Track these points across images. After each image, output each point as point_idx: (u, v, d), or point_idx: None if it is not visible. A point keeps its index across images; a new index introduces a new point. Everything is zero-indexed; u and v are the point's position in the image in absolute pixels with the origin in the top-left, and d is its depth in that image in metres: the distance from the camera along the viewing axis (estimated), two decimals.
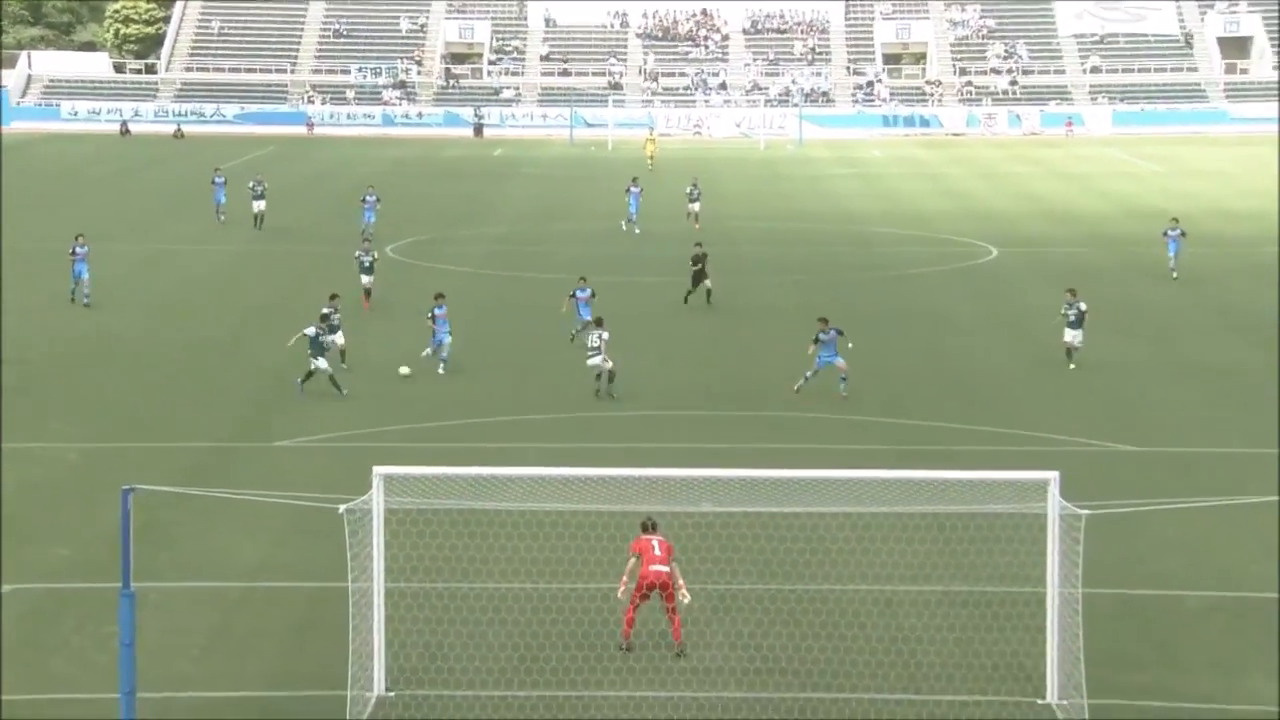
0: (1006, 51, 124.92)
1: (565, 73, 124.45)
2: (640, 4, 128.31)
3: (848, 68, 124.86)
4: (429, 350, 38.12)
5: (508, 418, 34.42)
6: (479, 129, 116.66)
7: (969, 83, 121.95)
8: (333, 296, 38.78)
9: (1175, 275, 51.66)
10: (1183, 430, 33.85)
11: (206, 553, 25.53)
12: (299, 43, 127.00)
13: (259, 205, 63.92)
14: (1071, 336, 38.65)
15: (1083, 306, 38.60)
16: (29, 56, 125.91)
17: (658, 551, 21.15)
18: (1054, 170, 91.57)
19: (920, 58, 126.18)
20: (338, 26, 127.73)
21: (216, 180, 66.75)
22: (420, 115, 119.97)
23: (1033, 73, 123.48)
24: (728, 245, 48.62)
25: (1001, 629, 21.87)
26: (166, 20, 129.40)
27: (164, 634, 21.95)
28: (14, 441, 31.89)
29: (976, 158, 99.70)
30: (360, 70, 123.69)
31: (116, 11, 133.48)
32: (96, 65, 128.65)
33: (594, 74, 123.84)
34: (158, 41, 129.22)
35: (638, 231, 62.91)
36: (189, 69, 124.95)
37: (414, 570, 22.65)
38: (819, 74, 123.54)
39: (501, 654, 21.34)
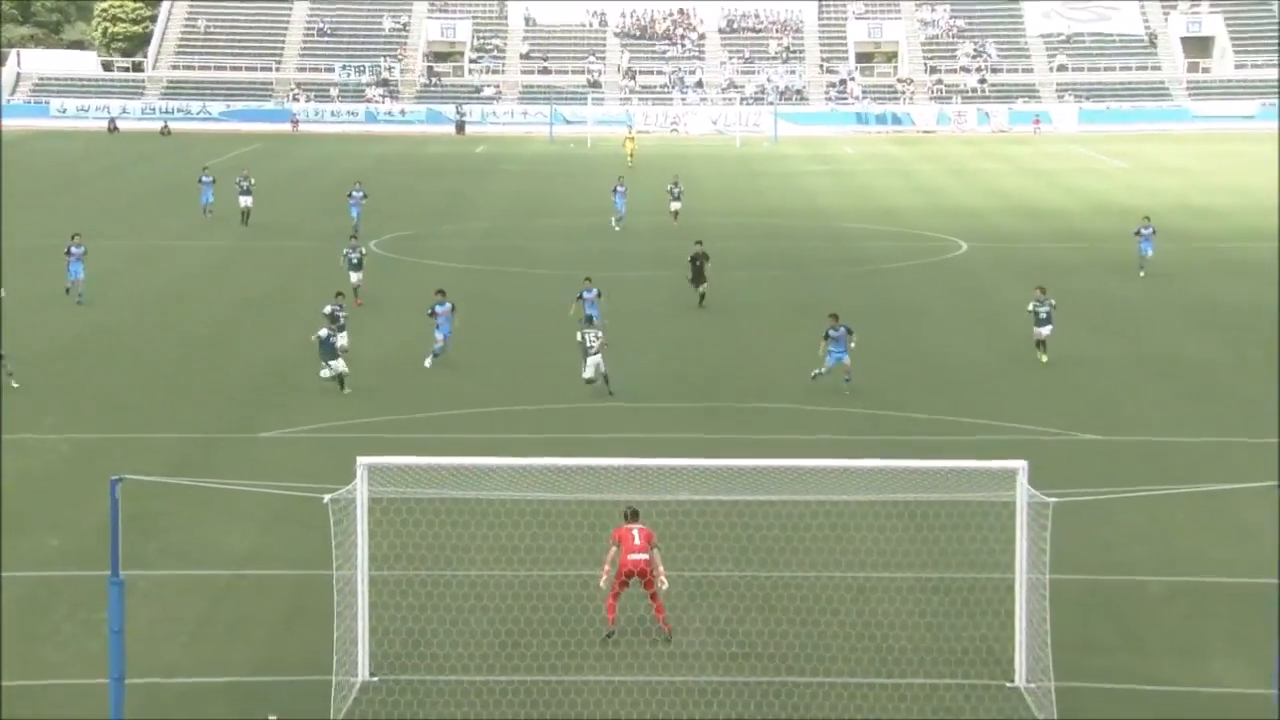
0: (976, 50, 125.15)
1: (545, 71, 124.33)
2: (618, 3, 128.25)
3: (821, 66, 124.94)
4: (438, 345, 37.72)
5: (492, 409, 34.41)
6: (460, 126, 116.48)
7: (939, 81, 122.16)
8: (338, 295, 38.54)
9: (1143, 274, 51.50)
10: (1148, 421, 33.97)
11: (194, 542, 25.49)
12: (284, 41, 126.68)
13: (245, 201, 63.70)
14: (1040, 332, 38.42)
15: (1052, 303, 38.49)
16: (18, 55, 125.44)
17: (637, 540, 21.17)
18: (1022, 167, 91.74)
19: (892, 56, 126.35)
20: (322, 25, 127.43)
21: (204, 180, 66.44)
22: (403, 112, 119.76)
23: (1001, 71, 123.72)
24: (705, 241, 48.73)
25: (971, 614, 21.94)
26: (153, 19, 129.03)
27: (153, 621, 21.93)
28: (8, 433, 31.80)
29: (947, 154, 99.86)
30: (344, 68, 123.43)
31: (104, 10, 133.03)
32: (85, 63, 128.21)
33: (573, 72, 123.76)
34: (145, 40, 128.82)
35: (619, 228, 62.88)
36: (176, 67, 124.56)
37: (397, 558, 22.64)
38: (793, 72, 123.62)
39: (483, 640, 21.34)
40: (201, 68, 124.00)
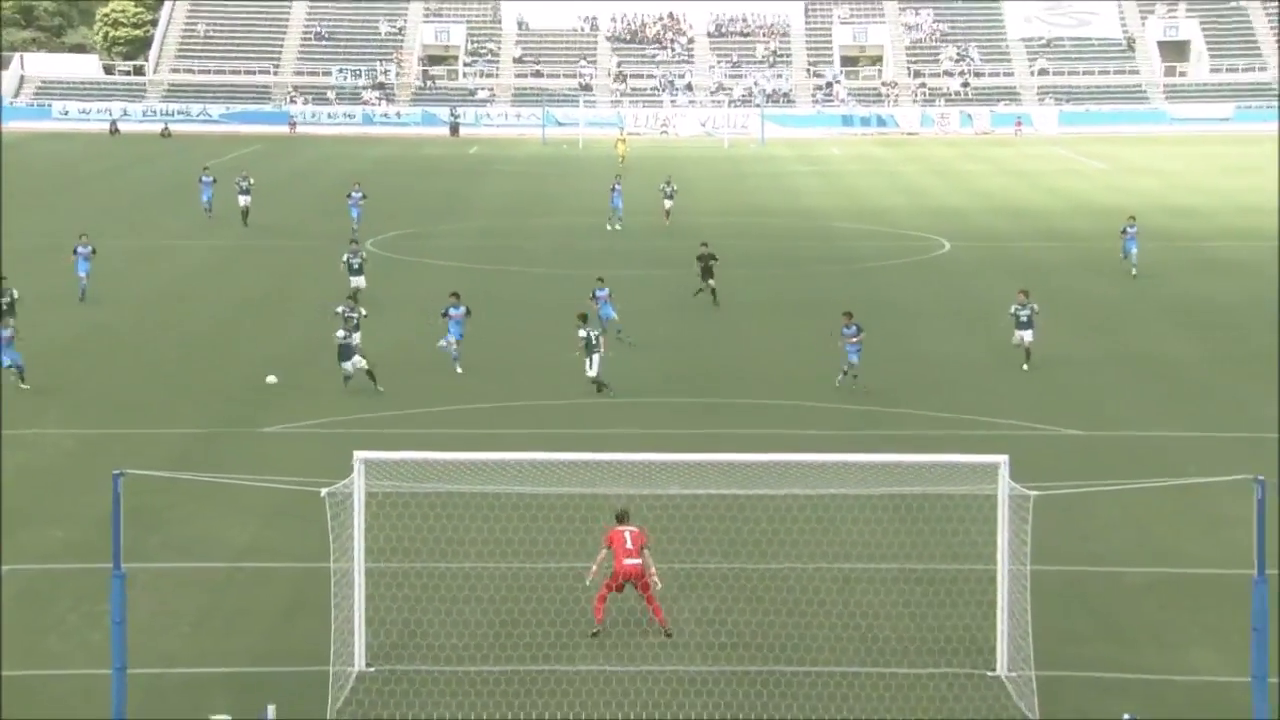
0: (959, 54, 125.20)
1: (538, 74, 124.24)
2: (609, 8, 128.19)
3: (808, 69, 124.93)
4: (445, 342, 37.14)
5: (488, 405, 34.40)
6: (455, 128, 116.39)
7: (923, 84, 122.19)
8: (350, 296, 38.35)
9: (1135, 274, 50.67)
10: (1127, 416, 34.01)
11: (195, 535, 25.48)
12: (282, 45, 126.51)
13: (245, 200, 63.57)
14: (1020, 337, 37.60)
15: (1034, 307, 37.72)
16: (21, 58, 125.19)
17: (630, 545, 21.08)
18: (1004, 168, 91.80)
19: (877, 60, 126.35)
20: (319, 29, 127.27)
21: (204, 180, 66.32)
22: (399, 115, 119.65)
23: (983, 75, 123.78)
24: (696, 239, 48.72)
25: (954, 604, 21.97)
26: (154, 23, 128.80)
27: (154, 613, 21.92)
28: (12, 429, 31.78)
29: (930, 155, 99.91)
30: (341, 71, 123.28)
31: (106, 15, 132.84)
32: (87, 67, 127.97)
33: (565, 75, 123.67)
34: (146, 44, 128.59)
35: (619, 227, 62.85)
36: (176, 70, 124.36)
37: (393, 551, 22.64)
38: (780, 75, 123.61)
39: (478, 630, 21.34)
40: (201, 71, 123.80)
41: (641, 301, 46.88)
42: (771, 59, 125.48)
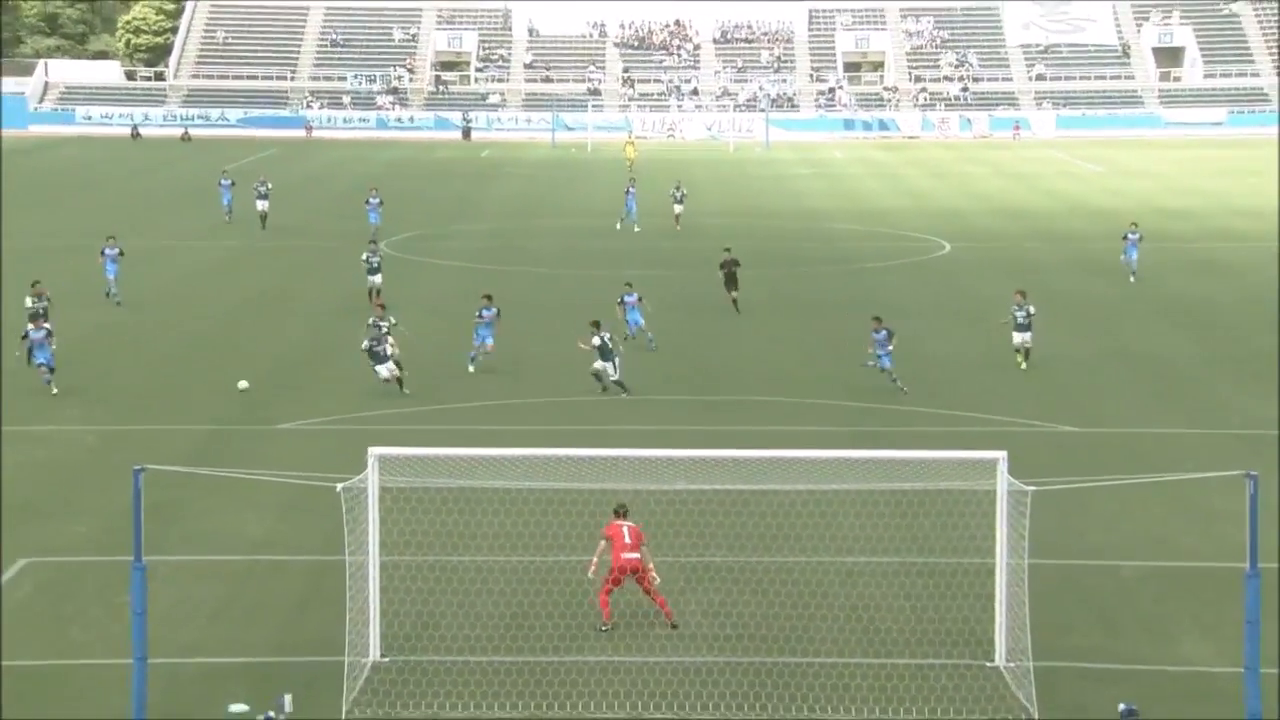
0: (958, 60, 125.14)
1: (547, 79, 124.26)
2: (618, 15, 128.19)
3: (811, 75, 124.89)
4: (477, 345, 36.70)
5: (500, 402, 34.39)
6: (467, 132, 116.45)
7: (924, 89, 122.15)
8: (381, 305, 37.47)
9: (1133, 279, 50.08)
10: (1122, 413, 33.97)
11: (213, 528, 25.49)
12: (298, 51, 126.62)
13: (263, 205, 63.54)
14: (1020, 339, 37.40)
15: (1031, 309, 37.39)
16: (45, 65, 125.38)
17: (628, 539, 21.02)
18: (1002, 170, 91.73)
19: (878, 65, 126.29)
20: (335, 36, 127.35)
21: (223, 183, 66.32)
22: (412, 119, 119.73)
23: (982, 80, 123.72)
24: (703, 240, 48.74)
25: (954, 597, 21.95)
26: (174, 31, 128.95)
27: (174, 604, 21.93)
28: (36, 425, 31.81)
29: (930, 159, 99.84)
30: (356, 77, 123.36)
31: (128, 22, 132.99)
32: (109, 73, 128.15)
33: (574, 80, 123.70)
34: (166, 50, 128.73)
35: (637, 229, 62.76)
36: (195, 76, 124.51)
37: (407, 544, 22.63)
38: (784, 80, 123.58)
39: (490, 622, 21.34)
40: (220, 77, 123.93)
41: (647, 301, 46.83)
42: (776, 64, 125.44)
